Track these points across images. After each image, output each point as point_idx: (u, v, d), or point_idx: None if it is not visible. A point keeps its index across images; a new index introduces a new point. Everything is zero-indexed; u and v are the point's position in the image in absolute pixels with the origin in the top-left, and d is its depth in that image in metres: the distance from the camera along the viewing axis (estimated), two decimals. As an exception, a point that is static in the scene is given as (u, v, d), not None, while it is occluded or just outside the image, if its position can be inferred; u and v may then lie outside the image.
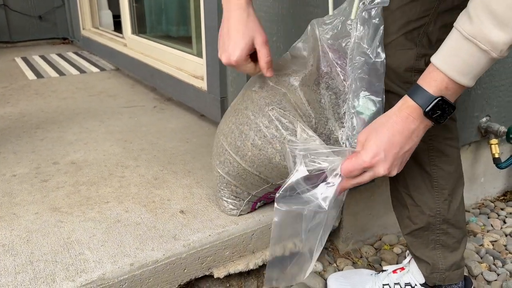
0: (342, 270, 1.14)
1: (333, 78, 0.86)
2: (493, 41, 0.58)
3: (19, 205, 1.10)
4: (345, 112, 0.85)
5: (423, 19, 0.74)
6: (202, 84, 1.63)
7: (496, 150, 1.32)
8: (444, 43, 0.64)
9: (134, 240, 0.95)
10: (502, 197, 1.55)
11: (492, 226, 1.38)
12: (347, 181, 0.72)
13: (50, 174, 1.27)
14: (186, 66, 1.80)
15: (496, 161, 1.32)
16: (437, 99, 0.64)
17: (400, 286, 0.95)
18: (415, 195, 0.86)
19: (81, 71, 2.62)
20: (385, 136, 0.67)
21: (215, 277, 1.00)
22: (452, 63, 0.62)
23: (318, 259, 1.15)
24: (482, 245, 1.28)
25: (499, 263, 1.20)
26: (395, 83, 0.78)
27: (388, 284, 0.97)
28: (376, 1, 0.74)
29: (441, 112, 0.66)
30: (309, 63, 0.87)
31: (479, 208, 1.47)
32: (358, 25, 0.76)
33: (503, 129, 1.30)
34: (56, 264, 0.88)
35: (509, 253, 1.25)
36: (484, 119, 1.34)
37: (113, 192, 1.16)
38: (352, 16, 0.78)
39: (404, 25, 0.74)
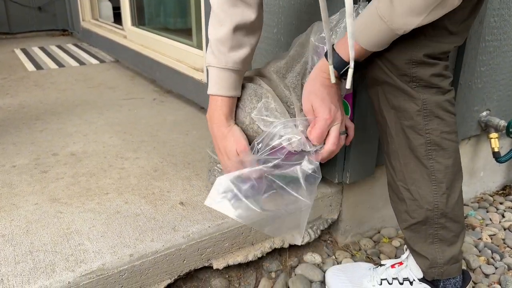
0: (340, 262, 1.14)
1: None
2: (399, 23, 0.69)
3: (19, 196, 1.10)
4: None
5: None
6: (202, 77, 1.63)
7: (496, 144, 1.32)
8: (362, 14, 0.74)
9: (134, 231, 0.95)
10: (502, 192, 1.56)
11: (491, 220, 1.38)
12: (326, 149, 0.83)
13: (50, 165, 1.27)
14: (186, 58, 1.80)
15: (496, 155, 1.32)
16: (351, 73, 0.75)
17: (398, 281, 0.95)
18: (412, 189, 0.86)
19: (81, 63, 2.61)
20: (323, 94, 0.81)
21: (214, 268, 1.00)
22: (365, 35, 0.73)
23: (317, 251, 1.16)
24: (480, 238, 1.28)
25: (497, 257, 1.20)
26: (394, 75, 0.78)
27: (386, 279, 0.97)
28: None
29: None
30: (288, 53, 0.94)
31: (478, 202, 1.47)
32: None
33: (503, 123, 1.30)
34: (55, 255, 0.88)
35: (508, 247, 1.26)
36: (484, 113, 1.34)
37: (113, 184, 1.16)
38: (348, 86, 0.82)
39: None
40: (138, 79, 2.25)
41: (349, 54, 0.72)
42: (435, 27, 0.74)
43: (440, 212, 0.86)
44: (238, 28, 0.85)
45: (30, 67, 2.49)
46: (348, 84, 0.78)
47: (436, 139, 0.83)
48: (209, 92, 0.90)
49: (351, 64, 0.74)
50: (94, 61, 2.66)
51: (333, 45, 0.79)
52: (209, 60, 0.88)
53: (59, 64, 2.56)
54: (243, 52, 0.88)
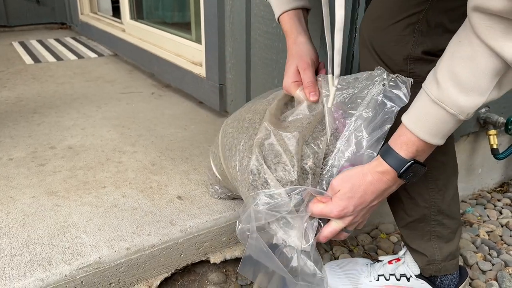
0: (338, 257, 1.14)
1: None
2: (460, 105, 0.60)
3: (16, 189, 1.09)
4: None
5: (423, 4, 0.73)
6: (201, 71, 1.62)
7: (494, 141, 1.32)
8: (413, 104, 0.67)
9: (131, 225, 0.95)
10: (499, 188, 1.56)
11: (488, 216, 1.38)
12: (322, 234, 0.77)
13: (47, 159, 1.26)
14: (185, 52, 1.79)
15: (494, 152, 1.32)
16: (410, 162, 0.67)
17: (395, 277, 0.95)
18: (409, 187, 0.86)
19: (79, 56, 2.60)
20: (358, 193, 0.71)
21: (211, 262, 1.00)
22: (422, 126, 0.65)
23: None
24: (478, 235, 1.28)
25: (495, 253, 1.20)
26: (391, 71, 0.77)
27: (383, 275, 0.97)
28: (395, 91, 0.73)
29: (414, 173, 0.69)
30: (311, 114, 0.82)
31: (476, 199, 1.47)
32: (369, 107, 0.74)
33: (502, 120, 1.30)
34: (52, 248, 0.87)
35: (505, 243, 1.26)
36: (483, 110, 1.33)
37: (110, 177, 1.16)
38: (329, 105, 0.77)
39: (404, 10, 0.73)
40: (136, 73, 2.24)
41: (334, 79, 0.69)
42: (431, 24, 0.73)
43: (436, 209, 0.86)
44: None
45: (28, 60, 2.48)
46: (330, 102, 0.74)
47: None
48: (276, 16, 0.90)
49: (335, 82, 0.70)
50: (92, 54, 2.64)
51: (387, 141, 0.72)
52: None
53: (57, 58, 2.55)
54: None
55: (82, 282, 0.83)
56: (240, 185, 0.80)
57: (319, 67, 0.90)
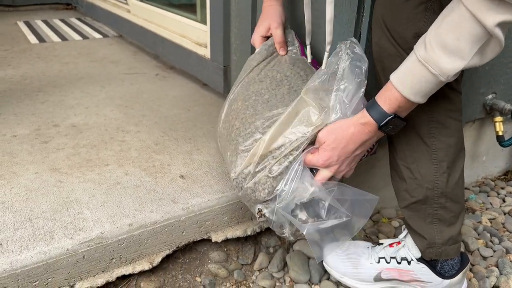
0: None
1: None
2: (442, 66, 0.66)
3: (19, 165, 1.10)
4: None
5: None
6: (206, 52, 1.60)
7: (500, 128, 1.31)
8: (403, 64, 0.72)
9: (134, 202, 0.95)
10: (503, 176, 1.55)
11: (491, 204, 1.38)
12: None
13: (51, 136, 1.26)
14: (190, 33, 1.77)
15: (500, 139, 1.31)
16: (391, 117, 0.74)
17: (396, 260, 0.95)
18: (413, 167, 0.85)
19: (84, 37, 2.58)
20: (341, 143, 0.78)
21: (213, 241, 1.00)
22: (406, 84, 0.71)
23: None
24: (480, 222, 1.28)
25: (496, 240, 1.20)
26: (401, 48, 0.77)
27: (384, 258, 0.97)
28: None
29: (393, 127, 0.76)
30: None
31: (479, 186, 1.47)
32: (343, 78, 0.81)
33: (508, 106, 1.28)
34: (55, 222, 0.88)
35: (507, 231, 1.26)
36: (490, 96, 1.32)
37: (114, 156, 1.16)
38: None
39: None
40: (141, 54, 2.23)
41: (327, 40, 0.73)
42: (444, 4, 0.72)
43: (440, 191, 0.85)
44: None
45: (33, 39, 2.47)
46: (324, 65, 0.81)
47: (439, 117, 0.82)
48: None
49: (327, 48, 0.76)
50: (97, 35, 2.63)
51: (374, 97, 0.77)
52: None
53: (62, 38, 2.54)
54: None
55: (84, 256, 0.84)
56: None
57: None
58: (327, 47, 0.87)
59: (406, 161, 0.86)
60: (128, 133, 1.30)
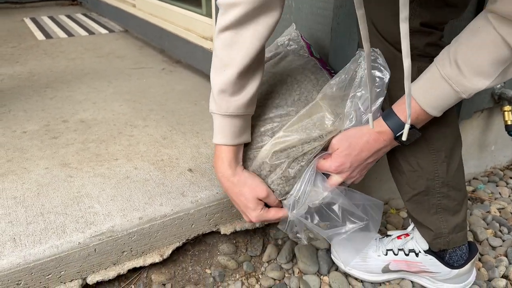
0: (347, 231, 1.15)
1: None
2: (466, 85, 0.67)
3: (30, 160, 1.11)
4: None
5: None
6: (211, 45, 1.61)
7: (509, 117, 1.30)
8: (422, 76, 0.72)
9: (143, 196, 0.96)
10: (512, 166, 1.54)
11: (500, 194, 1.37)
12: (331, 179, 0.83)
13: (60, 132, 1.27)
14: (195, 27, 1.77)
15: (509, 129, 1.30)
16: (407, 127, 0.72)
17: (404, 252, 0.96)
18: (411, 160, 0.85)
19: (90, 32, 2.59)
20: (355, 151, 0.78)
21: (222, 233, 1.01)
22: (426, 97, 0.71)
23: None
24: (489, 212, 1.28)
25: (505, 230, 1.20)
26: (388, 43, 0.77)
27: (391, 250, 0.97)
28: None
29: (409, 137, 0.75)
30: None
31: (487, 176, 1.46)
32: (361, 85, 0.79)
33: (517, 95, 1.27)
34: (66, 216, 0.89)
35: (516, 220, 1.25)
36: (498, 85, 1.31)
37: (122, 150, 1.17)
38: (404, 138, 0.81)
39: None
40: (147, 48, 2.23)
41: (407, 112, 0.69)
42: None
43: (441, 181, 0.85)
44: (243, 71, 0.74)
45: (39, 36, 2.48)
46: (404, 136, 0.74)
47: None
48: (213, 141, 0.80)
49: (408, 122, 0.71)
50: (103, 30, 2.64)
51: (391, 106, 0.77)
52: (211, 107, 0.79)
53: (68, 34, 2.55)
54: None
55: (95, 249, 0.85)
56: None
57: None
58: (408, 110, 0.70)
59: (404, 154, 0.86)
60: (136, 127, 1.31)
